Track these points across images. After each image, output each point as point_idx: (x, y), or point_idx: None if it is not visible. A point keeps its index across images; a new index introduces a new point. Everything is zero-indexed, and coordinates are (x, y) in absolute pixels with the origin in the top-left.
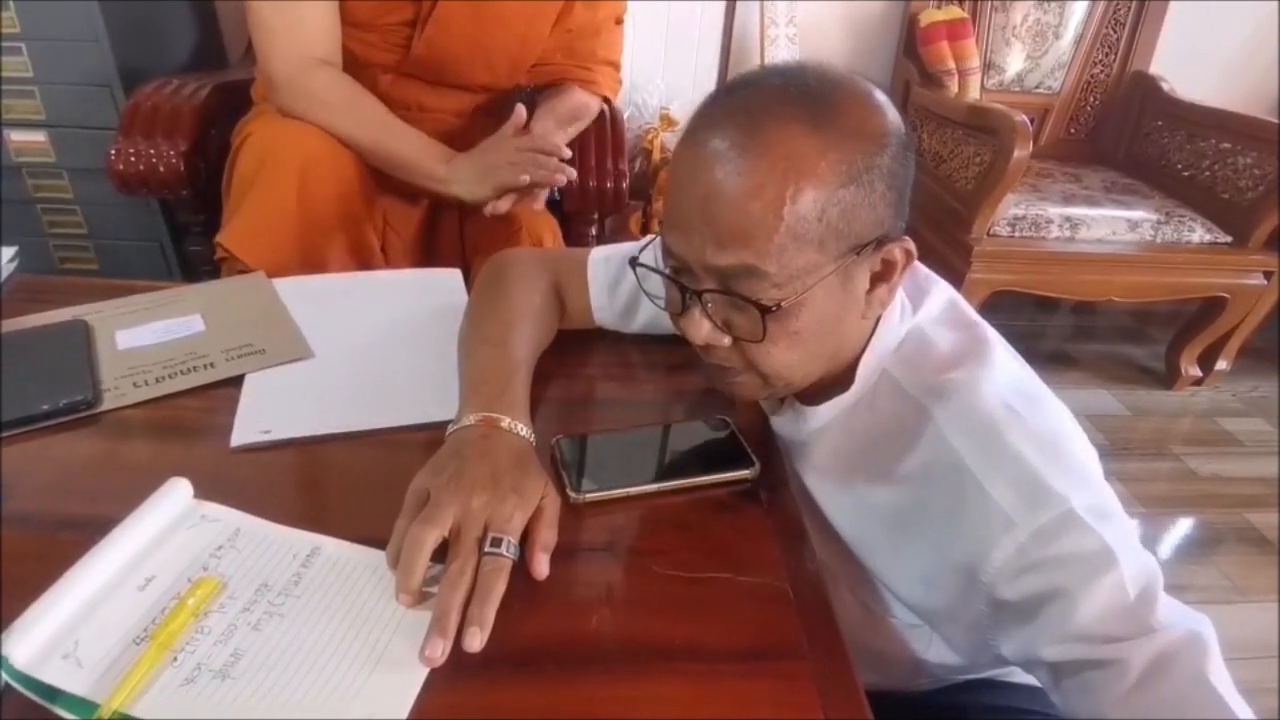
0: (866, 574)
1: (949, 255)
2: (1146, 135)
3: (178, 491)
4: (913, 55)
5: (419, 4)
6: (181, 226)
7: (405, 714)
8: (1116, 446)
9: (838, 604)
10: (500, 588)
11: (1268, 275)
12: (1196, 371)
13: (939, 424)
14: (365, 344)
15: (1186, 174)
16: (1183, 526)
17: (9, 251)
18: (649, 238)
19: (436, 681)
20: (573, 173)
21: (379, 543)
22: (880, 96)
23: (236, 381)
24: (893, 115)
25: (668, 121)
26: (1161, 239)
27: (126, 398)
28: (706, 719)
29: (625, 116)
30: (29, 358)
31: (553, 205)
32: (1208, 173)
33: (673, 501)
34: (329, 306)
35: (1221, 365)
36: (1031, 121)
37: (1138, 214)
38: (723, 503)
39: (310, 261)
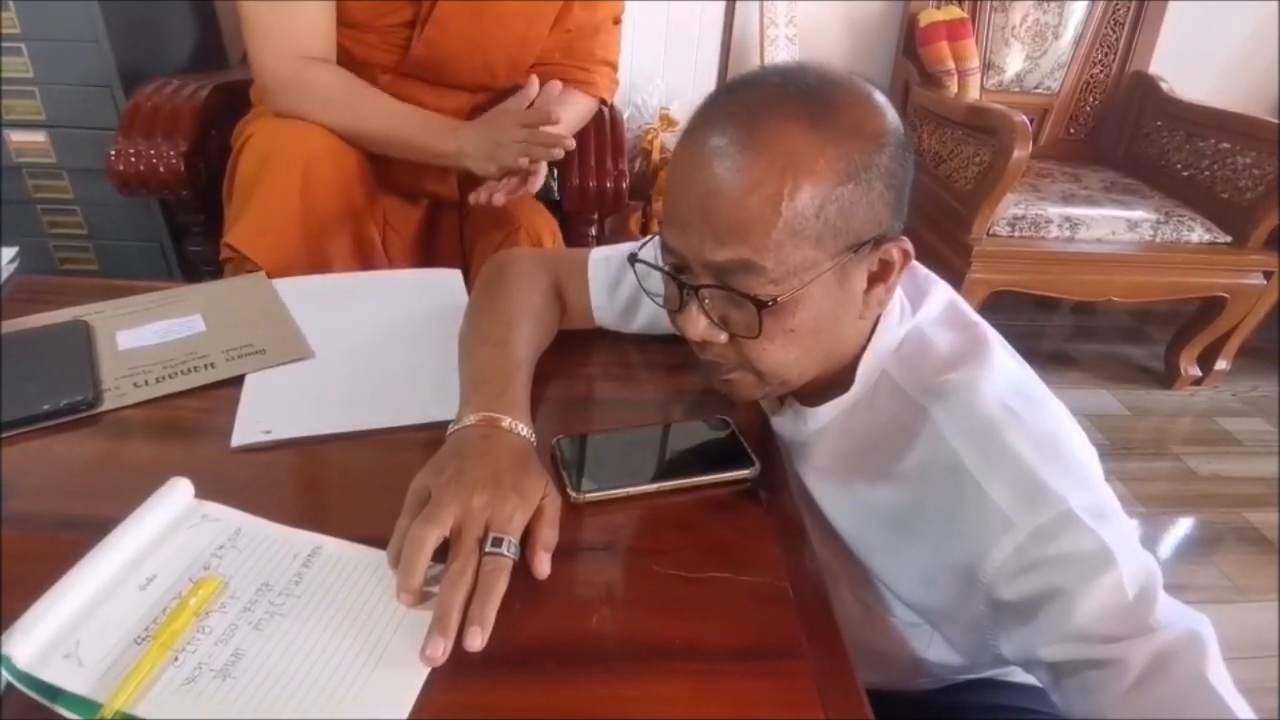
0: (866, 573)
1: (948, 255)
2: (1146, 135)
3: (178, 491)
4: (912, 55)
5: (418, 4)
6: (181, 227)
7: (406, 714)
8: (1116, 446)
9: (838, 603)
10: (501, 587)
11: (1267, 275)
12: (1196, 371)
13: (938, 424)
14: (365, 344)
15: (1186, 174)
16: (1182, 526)
17: (9, 252)
18: (649, 237)
19: (437, 681)
20: (571, 143)
21: (380, 542)
22: (879, 97)
23: (237, 381)
24: (892, 116)
25: (667, 121)
26: (1161, 239)
27: (127, 398)
28: (707, 718)
29: (625, 116)
30: (29, 358)
31: (553, 205)
32: (1207, 172)
33: (673, 501)
34: (329, 306)
35: (1221, 365)
36: (1031, 122)
37: (1137, 214)
38: (723, 502)
39: (315, 259)
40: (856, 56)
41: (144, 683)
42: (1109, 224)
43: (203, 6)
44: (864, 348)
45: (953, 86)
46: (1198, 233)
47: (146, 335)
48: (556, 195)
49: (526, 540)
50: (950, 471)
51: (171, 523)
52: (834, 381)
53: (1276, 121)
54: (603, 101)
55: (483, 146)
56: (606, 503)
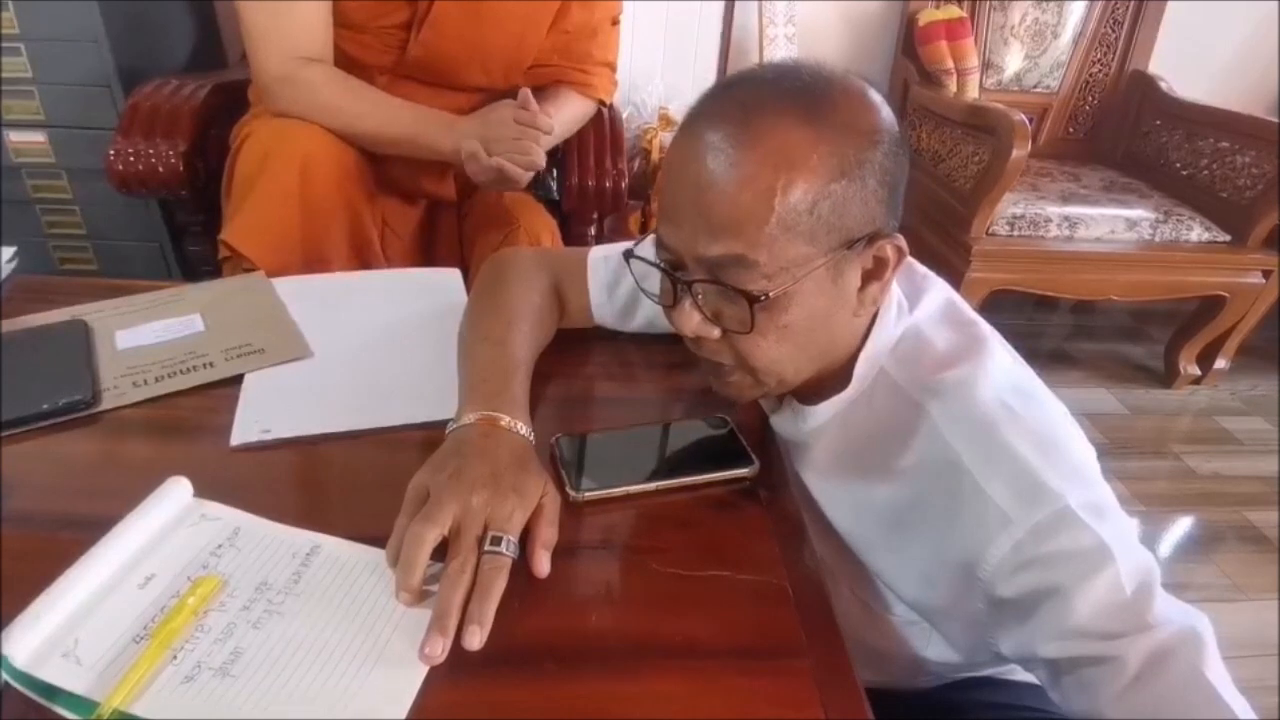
0: (866, 572)
1: (948, 254)
2: (1145, 134)
3: (178, 490)
4: (911, 55)
5: (415, 5)
6: (181, 226)
7: (405, 712)
8: (1116, 445)
9: (837, 602)
10: (500, 586)
11: (1266, 274)
12: (1195, 370)
13: (936, 422)
14: (364, 343)
15: (1185, 173)
16: (1182, 525)
17: (9, 251)
18: (647, 235)
19: (436, 680)
20: (542, 161)
21: (379, 541)
22: (874, 95)
23: (236, 381)
24: (886, 113)
25: (666, 121)
26: (1160, 238)
27: (126, 397)
28: (706, 717)
29: (624, 116)
30: (29, 358)
31: (552, 205)
32: (1206, 172)
33: (672, 500)
34: (329, 306)
35: (1220, 364)
36: (1030, 121)
37: (1136, 213)
38: (722, 501)
39: (313, 258)
40: (856, 56)
41: (142, 681)
42: (1108, 223)
43: (201, 7)
44: (861, 346)
45: (952, 86)
46: (1197, 232)
47: (145, 335)
48: (556, 195)
49: (526, 539)
50: (949, 469)
51: (170, 522)
52: (832, 380)
53: (1276, 121)
54: (601, 102)
55: (481, 134)
56: (606, 501)
